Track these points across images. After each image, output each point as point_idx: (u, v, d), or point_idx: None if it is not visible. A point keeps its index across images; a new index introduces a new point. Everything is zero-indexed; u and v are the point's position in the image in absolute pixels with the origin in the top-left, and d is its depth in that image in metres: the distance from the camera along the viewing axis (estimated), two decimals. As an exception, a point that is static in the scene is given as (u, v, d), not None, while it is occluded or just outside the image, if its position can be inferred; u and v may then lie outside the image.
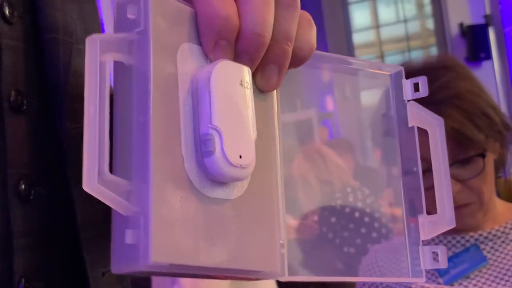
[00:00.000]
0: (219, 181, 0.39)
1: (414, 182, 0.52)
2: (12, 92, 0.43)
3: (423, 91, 0.51)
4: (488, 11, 4.91)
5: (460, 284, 1.10)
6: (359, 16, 6.11)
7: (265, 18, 0.40)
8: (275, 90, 0.45)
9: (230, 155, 0.38)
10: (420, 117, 0.52)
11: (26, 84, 0.45)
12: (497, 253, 1.13)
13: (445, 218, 0.49)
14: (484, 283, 1.09)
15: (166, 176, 0.36)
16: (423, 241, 0.50)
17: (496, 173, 1.18)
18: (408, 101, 0.52)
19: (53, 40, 0.46)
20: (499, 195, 1.25)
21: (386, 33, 6.00)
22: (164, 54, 0.38)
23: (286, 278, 0.44)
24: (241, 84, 0.40)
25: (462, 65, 1.21)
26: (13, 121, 0.43)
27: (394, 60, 5.89)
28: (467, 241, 1.15)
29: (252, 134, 0.40)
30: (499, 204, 1.21)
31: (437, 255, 0.48)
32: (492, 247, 1.14)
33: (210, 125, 0.38)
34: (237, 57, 0.41)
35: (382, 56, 6.01)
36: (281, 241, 0.43)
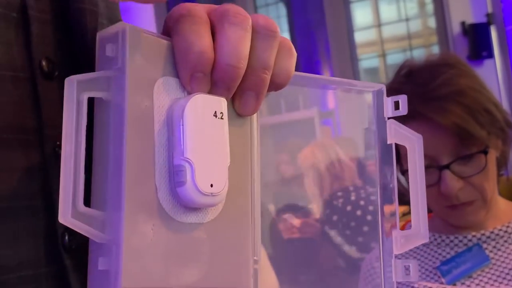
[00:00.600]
0: (191, 207, 0.42)
1: (390, 197, 0.54)
2: (43, 60, 0.46)
3: (403, 109, 0.54)
4: (490, 9, 4.90)
5: (463, 283, 1.09)
6: (361, 15, 6.10)
7: (239, 50, 0.42)
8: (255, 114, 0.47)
9: (201, 185, 0.40)
10: (399, 135, 0.54)
11: (56, 53, 0.47)
12: (500, 253, 1.13)
13: (419, 233, 0.52)
14: (486, 283, 1.09)
15: (139, 206, 0.39)
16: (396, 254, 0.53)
17: (498, 170, 1.17)
18: (389, 118, 0.54)
19: (80, 9, 0.48)
20: (501, 193, 1.24)
21: (388, 31, 6.00)
22: (140, 89, 0.40)
23: None
24: (215, 115, 0.42)
25: (464, 62, 1.20)
26: (45, 87, 0.46)
27: (395, 58, 5.89)
28: (470, 240, 1.14)
29: (225, 161, 0.43)
30: (502, 203, 1.20)
31: (409, 268, 0.51)
32: (494, 247, 1.13)
33: (182, 157, 0.40)
34: (214, 87, 0.43)
35: (383, 55, 6.00)
36: (255, 257, 0.46)
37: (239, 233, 0.45)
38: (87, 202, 0.39)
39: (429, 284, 1.09)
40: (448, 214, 1.15)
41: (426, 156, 1.11)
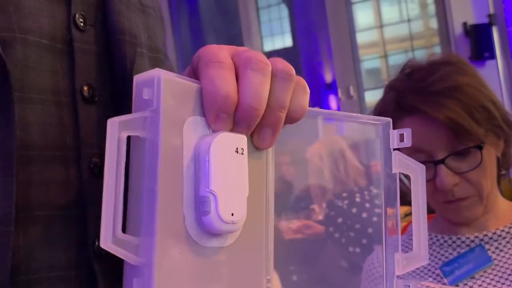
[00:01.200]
0: (214, 234, 0.47)
1: (394, 219, 0.59)
2: (84, 86, 0.52)
3: (407, 142, 0.58)
4: (492, 10, 4.90)
5: (465, 284, 1.09)
6: (363, 16, 6.10)
7: (260, 93, 0.48)
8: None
9: (223, 214, 0.45)
10: (404, 165, 0.59)
11: (97, 79, 0.53)
12: (502, 253, 1.13)
13: (420, 256, 0.57)
14: (489, 284, 1.08)
15: (169, 232, 0.44)
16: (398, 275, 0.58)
17: (499, 170, 1.17)
18: (394, 149, 0.59)
19: (120, 41, 0.55)
20: (503, 195, 1.24)
21: (390, 32, 5.99)
22: (172, 128, 0.45)
23: None
24: (237, 151, 0.47)
25: (465, 62, 1.20)
26: (85, 110, 0.52)
27: (397, 59, 5.89)
28: (472, 241, 1.14)
29: (245, 192, 0.48)
30: (504, 204, 1.20)
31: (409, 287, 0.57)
32: (497, 248, 1.13)
33: (208, 189, 0.45)
34: (236, 125, 0.48)
35: (385, 56, 6.00)
36: (268, 277, 0.51)
37: (254, 255, 0.50)
38: (123, 228, 0.44)
39: (432, 285, 1.09)
40: (445, 210, 1.15)
41: (422, 151, 1.11)
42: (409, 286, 0.57)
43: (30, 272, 0.48)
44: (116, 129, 0.43)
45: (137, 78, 0.47)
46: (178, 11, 6.39)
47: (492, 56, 4.85)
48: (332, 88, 5.81)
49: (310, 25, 6.16)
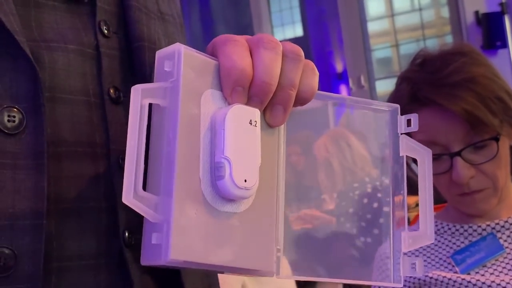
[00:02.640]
0: (228, 199, 0.49)
1: (402, 202, 0.61)
2: (111, 88, 0.56)
3: (414, 126, 0.61)
4: (504, -2, 4.87)
5: (477, 272, 1.09)
6: (374, 5, 6.08)
7: (272, 69, 0.51)
8: (282, 125, 0.55)
9: (237, 179, 0.48)
10: (410, 148, 0.61)
11: (122, 83, 0.57)
12: (514, 242, 1.12)
13: (426, 235, 0.59)
14: (501, 272, 1.09)
15: (186, 194, 0.47)
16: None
17: (512, 160, 1.17)
18: (401, 134, 0.61)
19: (140, 47, 0.58)
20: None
21: (401, 21, 5.97)
22: (191, 99, 0.48)
23: (280, 277, 0.54)
24: (250, 123, 0.50)
25: (478, 51, 1.19)
26: (112, 110, 0.55)
27: (408, 48, 5.86)
28: (484, 230, 1.14)
29: (257, 161, 0.50)
30: (516, 193, 1.20)
31: (415, 265, 0.59)
32: (509, 236, 1.13)
33: (223, 156, 0.48)
34: (249, 100, 0.51)
35: (396, 45, 5.98)
36: (278, 247, 0.54)
37: (265, 223, 0.53)
38: (144, 187, 0.47)
39: (443, 274, 1.09)
40: (460, 202, 1.14)
41: (437, 144, 1.11)
42: (415, 263, 0.58)
43: (62, 260, 0.50)
44: (139, 96, 0.46)
45: (159, 53, 0.50)
46: (189, 2, 6.38)
47: (504, 45, 4.82)
48: (343, 77, 5.80)
49: (320, 14, 6.14)
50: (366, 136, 0.74)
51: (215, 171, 0.49)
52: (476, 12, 4.96)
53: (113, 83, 0.56)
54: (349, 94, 5.47)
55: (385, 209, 0.62)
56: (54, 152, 0.50)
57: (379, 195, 0.65)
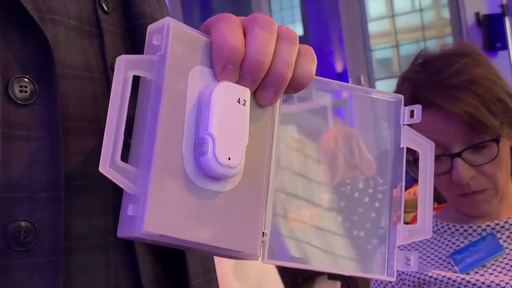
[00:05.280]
0: (211, 176, 0.48)
1: (399, 194, 0.60)
2: (114, 63, 0.53)
3: (417, 118, 0.59)
4: (504, 0, 4.87)
5: (476, 272, 1.09)
6: (375, 5, 6.08)
7: (265, 48, 0.50)
8: (277, 105, 0.54)
9: (220, 156, 0.47)
10: (412, 140, 0.60)
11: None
12: (514, 243, 1.13)
13: (423, 229, 0.57)
14: (500, 272, 1.09)
15: (166, 168, 0.46)
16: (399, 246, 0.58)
17: (512, 161, 1.17)
18: (403, 125, 0.60)
19: (143, 25, 0.57)
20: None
21: (401, 22, 5.98)
22: (178, 73, 0.48)
23: (265, 261, 0.53)
24: (239, 102, 0.49)
25: (480, 52, 1.20)
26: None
27: (409, 49, 5.87)
28: (484, 230, 1.14)
29: (243, 140, 0.49)
30: (516, 193, 1.20)
31: (410, 259, 0.57)
32: (508, 236, 1.13)
33: (206, 132, 0.47)
34: (241, 79, 0.50)
35: (397, 46, 5.99)
36: (264, 231, 0.52)
37: (252, 206, 0.52)
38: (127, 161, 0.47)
39: (443, 273, 1.10)
40: (460, 203, 1.15)
41: (438, 145, 1.11)
42: (410, 258, 0.57)
43: (70, 239, 0.49)
44: (123, 66, 0.45)
45: (150, 27, 0.50)
46: (189, 2, 6.38)
47: (504, 46, 4.83)
48: (343, 77, 5.80)
49: (321, 14, 6.15)
50: (367, 126, 0.72)
51: (198, 147, 0.48)
52: (477, 14, 4.97)
53: (115, 58, 0.55)
54: (349, 94, 5.47)
55: (382, 201, 0.61)
56: (61, 127, 0.49)
57: (378, 187, 0.65)
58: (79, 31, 0.53)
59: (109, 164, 0.44)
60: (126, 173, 0.45)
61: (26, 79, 0.48)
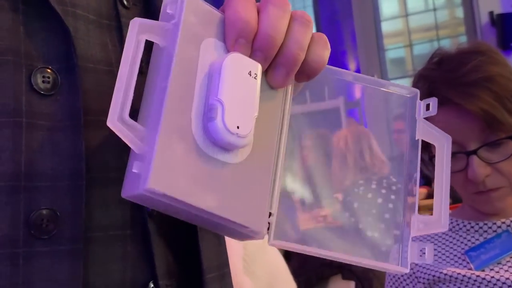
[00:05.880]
0: (220, 145, 0.48)
1: (414, 186, 0.59)
2: None
3: (433, 110, 0.59)
4: (519, -1, 4.85)
5: (491, 269, 1.09)
6: (388, 5, 6.07)
7: (278, 24, 0.50)
8: (289, 92, 0.54)
9: (228, 123, 0.47)
10: (428, 133, 0.59)
11: (144, 54, 0.56)
12: (529, 240, 1.13)
13: (439, 221, 0.56)
14: (515, 269, 1.09)
15: (174, 129, 0.46)
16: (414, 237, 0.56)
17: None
18: (420, 118, 0.59)
19: None
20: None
21: (415, 22, 5.96)
22: (190, 42, 0.48)
23: (271, 243, 0.51)
24: (250, 74, 0.49)
25: (495, 50, 1.20)
26: (138, 81, 0.54)
27: (422, 49, 5.85)
28: (499, 227, 1.14)
29: (253, 111, 0.49)
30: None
31: (424, 251, 0.55)
32: (523, 234, 1.13)
33: (216, 98, 0.47)
34: (252, 54, 0.50)
35: (410, 45, 5.97)
36: (271, 211, 0.51)
37: (260, 182, 0.51)
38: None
39: (458, 270, 1.10)
40: (475, 201, 1.15)
41: (454, 142, 1.11)
42: (424, 249, 0.55)
43: (89, 231, 0.50)
44: (136, 29, 0.46)
45: (165, 0, 0.50)
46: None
47: (519, 45, 4.80)
48: (356, 77, 5.79)
49: (334, 14, 6.14)
50: (381, 125, 0.71)
51: (207, 112, 0.47)
52: (491, 13, 4.95)
53: None
54: (362, 93, 5.46)
55: (397, 193, 0.60)
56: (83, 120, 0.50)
57: (392, 178, 0.64)
58: (98, 25, 0.54)
59: (117, 118, 0.44)
60: (134, 130, 0.45)
61: (49, 70, 0.48)
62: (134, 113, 0.48)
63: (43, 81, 0.48)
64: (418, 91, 0.60)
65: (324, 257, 0.55)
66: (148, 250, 0.54)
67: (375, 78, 0.60)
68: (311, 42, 0.53)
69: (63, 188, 0.48)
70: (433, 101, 0.59)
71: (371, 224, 0.66)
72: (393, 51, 6.13)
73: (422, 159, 0.60)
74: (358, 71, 5.80)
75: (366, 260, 0.56)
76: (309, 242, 0.57)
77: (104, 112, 0.50)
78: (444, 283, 1.10)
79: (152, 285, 0.54)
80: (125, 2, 0.57)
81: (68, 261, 0.47)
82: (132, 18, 0.56)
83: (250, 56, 0.50)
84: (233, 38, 0.50)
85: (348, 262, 0.56)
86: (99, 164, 0.51)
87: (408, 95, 0.61)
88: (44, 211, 0.46)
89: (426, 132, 0.59)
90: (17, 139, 0.46)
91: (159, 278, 0.54)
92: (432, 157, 1.12)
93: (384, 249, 0.62)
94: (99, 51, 0.53)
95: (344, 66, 5.87)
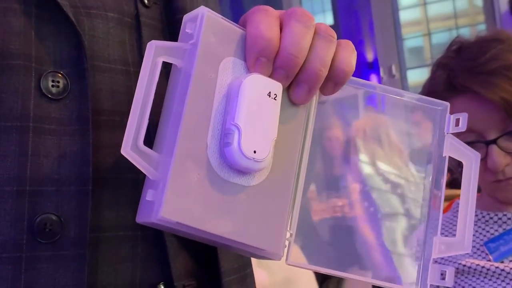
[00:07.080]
0: (236, 169, 0.47)
1: (438, 203, 0.58)
2: None
3: (462, 126, 0.57)
4: (539, -13, 4.79)
5: (511, 261, 1.09)
6: (406, -7, 6.02)
7: (300, 42, 0.48)
8: (312, 105, 0.53)
9: (245, 148, 0.46)
10: (456, 150, 0.58)
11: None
12: (549, 231, 1.12)
13: (462, 244, 0.55)
14: (535, 261, 1.08)
15: (189, 155, 0.45)
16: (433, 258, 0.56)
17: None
18: (447, 133, 0.58)
19: (181, 19, 0.55)
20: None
21: (433, 10, 5.91)
22: (208, 62, 0.47)
23: (288, 263, 0.52)
24: (269, 95, 0.48)
25: (515, 38, 1.18)
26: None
27: (440, 38, 5.81)
28: (518, 218, 1.14)
29: (272, 135, 0.48)
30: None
31: (445, 274, 0.55)
32: (543, 225, 1.12)
33: (233, 122, 0.46)
34: (274, 73, 0.49)
35: (428, 34, 5.93)
36: (290, 231, 0.51)
37: (277, 203, 0.50)
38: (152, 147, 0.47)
39: (477, 261, 1.09)
40: (494, 189, 1.14)
41: (473, 131, 1.10)
42: (445, 271, 0.55)
43: (100, 230, 0.50)
44: (152, 52, 0.45)
45: (185, 16, 0.49)
46: (219, -10, 6.39)
47: (539, 34, 4.75)
48: (373, 67, 5.77)
49: (352, 3, 6.11)
50: (408, 131, 0.68)
51: (224, 137, 0.47)
52: (510, 1, 4.89)
53: None
54: (380, 83, 5.45)
55: (419, 209, 0.59)
56: (93, 121, 0.49)
57: (411, 195, 0.63)
58: (119, 22, 0.54)
59: (130, 146, 0.43)
60: (148, 157, 0.44)
61: (59, 74, 0.48)
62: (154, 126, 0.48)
63: (52, 85, 0.48)
64: (448, 105, 0.59)
65: (341, 277, 0.55)
66: (161, 251, 0.54)
67: (404, 91, 0.60)
68: (338, 49, 0.52)
69: (68, 192, 0.48)
70: (463, 117, 0.57)
71: (390, 242, 0.65)
72: (411, 40, 6.09)
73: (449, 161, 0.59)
74: (376, 60, 5.78)
75: (383, 281, 0.56)
76: (327, 262, 0.57)
77: (118, 112, 0.51)
78: (462, 274, 1.10)
79: (162, 287, 0.54)
80: (145, 1, 0.56)
81: (72, 266, 0.47)
82: (151, 16, 0.56)
83: (271, 73, 0.49)
84: (254, 57, 0.48)
85: (366, 282, 0.56)
86: (111, 165, 0.51)
87: (438, 108, 0.59)
88: (48, 216, 0.47)
89: (454, 148, 0.58)
90: (23, 143, 0.46)
91: (174, 279, 0.54)
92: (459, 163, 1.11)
93: (403, 270, 0.61)
94: (118, 49, 0.53)
95: (362, 56, 5.85)
